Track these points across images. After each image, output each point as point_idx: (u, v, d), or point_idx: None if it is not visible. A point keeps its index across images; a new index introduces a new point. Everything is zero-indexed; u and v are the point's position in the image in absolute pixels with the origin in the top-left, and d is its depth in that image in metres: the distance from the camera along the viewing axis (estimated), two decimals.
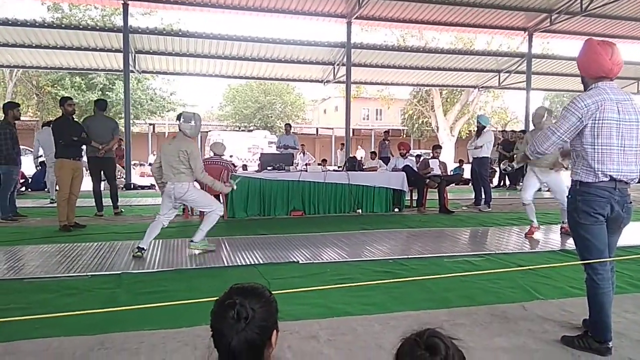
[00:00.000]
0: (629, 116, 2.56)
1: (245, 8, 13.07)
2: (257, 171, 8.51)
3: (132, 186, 12.84)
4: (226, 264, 4.61)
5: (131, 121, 14.41)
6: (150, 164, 23.24)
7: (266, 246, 5.40)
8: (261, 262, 4.66)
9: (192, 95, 58.69)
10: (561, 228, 6.42)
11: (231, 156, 24.25)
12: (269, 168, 8.27)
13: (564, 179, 5.88)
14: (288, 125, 12.64)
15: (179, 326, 2.94)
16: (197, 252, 5.00)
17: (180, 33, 14.04)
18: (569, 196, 2.75)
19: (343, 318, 3.15)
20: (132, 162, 17.13)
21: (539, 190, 6.48)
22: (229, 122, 36.90)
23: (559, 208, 6.48)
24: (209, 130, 29.82)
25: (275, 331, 1.29)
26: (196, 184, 5.32)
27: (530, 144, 2.81)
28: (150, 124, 30.34)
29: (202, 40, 13.93)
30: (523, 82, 16.73)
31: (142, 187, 12.99)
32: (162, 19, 25.68)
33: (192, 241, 5.04)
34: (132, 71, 14.99)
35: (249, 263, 4.62)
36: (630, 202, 2.68)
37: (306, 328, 2.98)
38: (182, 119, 4.99)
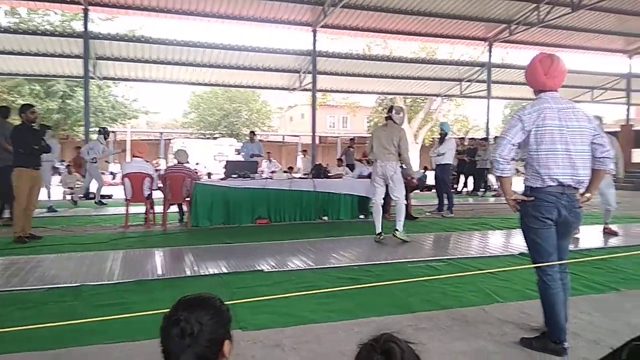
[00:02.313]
0: (570, 123, 2.69)
1: (210, 15, 12.98)
2: (222, 179, 8.42)
3: (91, 196, 12.44)
4: (189, 274, 4.53)
5: (92, 129, 14.03)
6: (111, 173, 22.63)
7: (231, 255, 5.34)
8: (226, 271, 4.60)
9: (155, 102, 57.56)
10: (604, 229, 6.93)
11: (197, 164, 23.93)
12: (233, 176, 8.19)
13: (610, 182, 6.53)
14: (252, 133, 12.60)
15: (139, 339, 2.87)
16: (403, 239, 6.06)
17: (142, 39, 13.81)
18: (519, 202, 2.84)
19: (307, 326, 3.14)
20: None
21: None
22: (194, 129, 36.40)
23: (603, 209, 7.03)
24: (173, 138, 29.37)
25: (227, 341, 1.28)
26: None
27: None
28: (111, 132, 29.61)
29: (166, 46, 13.75)
30: (484, 90, 17.22)
31: (102, 197, 12.60)
32: (124, 25, 25.23)
33: (396, 230, 6.12)
34: (93, 77, 14.66)
35: (213, 273, 4.56)
36: (579, 207, 2.78)
37: (270, 337, 2.96)
38: (394, 111, 6.18)
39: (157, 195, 7.88)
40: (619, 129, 19.26)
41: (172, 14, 12.74)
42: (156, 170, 10.12)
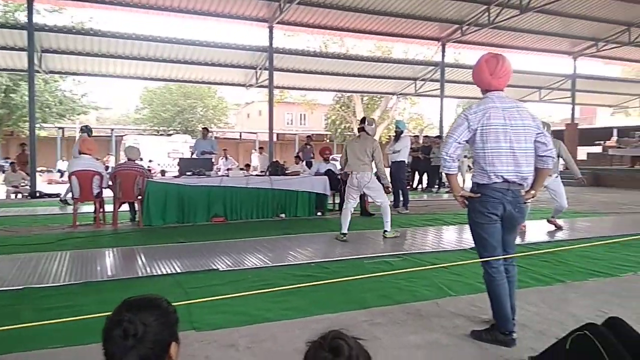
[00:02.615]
0: (515, 121, 2.78)
1: (162, 8, 12.64)
2: (175, 177, 8.23)
3: (37, 194, 11.91)
4: (141, 275, 4.40)
5: (38, 125, 13.38)
6: (59, 171, 21.74)
7: (185, 254, 5.23)
8: (179, 271, 4.49)
9: (106, 98, 55.57)
10: (549, 220, 7.29)
11: (151, 161, 23.34)
12: (188, 173, 8.02)
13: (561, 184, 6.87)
14: (205, 130, 12.22)
15: (87, 342, 2.75)
16: (393, 236, 6.33)
17: (91, 32, 13.28)
18: (467, 198, 2.91)
19: (263, 324, 3.11)
20: (39, 169, 15.95)
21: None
22: (147, 125, 35.43)
23: (553, 206, 7.31)
24: (125, 135, 28.51)
25: (174, 343, 1.24)
26: None
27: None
28: (59, 128, 28.44)
29: (116, 40, 13.27)
30: (437, 89, 17.61)
31: (49, 196, 12.08)
32: (72, 16, 24.15)
33: (385, 231, 6.33)
34: (38, 71, 13.98)
35: (166, 273, 4.44)
36: (524, 203, 2.89)
37: (225, 337, 2.91)
38: (366, 122, 6.34)
39: (108, 193, 7.62)
40: (564, 128, 20.21)
41: (124, 6, 12.31)
42: (106, 168, 9.79)
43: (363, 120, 6.48)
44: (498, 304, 2.83)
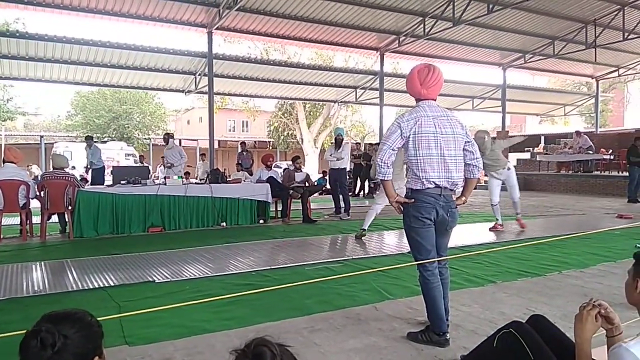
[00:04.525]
0: (445, 129, 2.90)
1: (95, 11, 12.09)
2: (109, 186, 7.89)
3: None
4: (71, 289, 4.17)
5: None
6: None
7: (119, 267, 5.01)
8: (112, 284, 4.30)
9: (34, 103, 52.59)
10: (517, 220, 7.66)
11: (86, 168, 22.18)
12: (122, 182, 7.71)
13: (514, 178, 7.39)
14: (167, 135, 11.18)
15: None
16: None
17: (17, 34, 12.50)
18: (402, 203, 2.99)
19: (201, 336, 3.04)
20: None
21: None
22: (79, 132, 33.72)
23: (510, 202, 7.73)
24: (55, 142, 27.04)
25: (97, 358, 1.19)
26: None
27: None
28: None
29: (45, 43, 12.56)
30: (377, 97, 18.00)
31: None
32: None
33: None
34: None
35: (97, 286, 4.24)
36: (455, 207, 3.00)
37: (160, 350, 2.81)
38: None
39: (35, 204, 7.19)
40: (495, 135, 21.23)
41: (53, 7, 11.67)
42: (34, 178, 9.26)
43: None
44: (433, 306, 2.92)
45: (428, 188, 2.87)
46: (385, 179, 2.96)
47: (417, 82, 2.92)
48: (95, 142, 13.23)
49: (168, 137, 11.11)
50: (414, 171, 2.90)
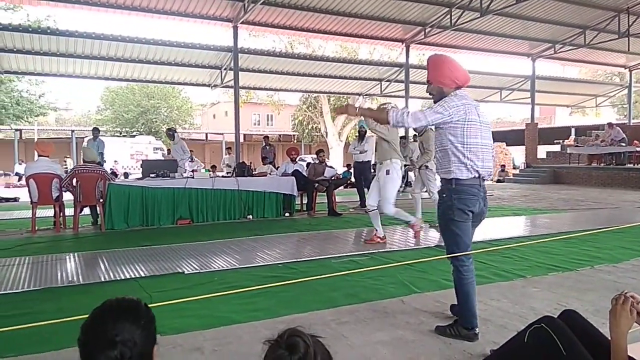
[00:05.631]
0: (484, 118, 2.88)
1: (124, 7, 12.31)
2: (138, 179, 8.05)
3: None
4: (103, 280, 4.28)
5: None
6: (17, 174, 20.91)
7: (149, 258, 5.12)
8: (143, 275, 4.40)
9: (65, 98, 53.83)
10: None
11: (116, 162, 22.79)
12: (151, 175, 7.86)
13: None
14: (170, 130, 11.34)
15: (45, 350, 2.67)
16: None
17: (49, 31, 12.82)
18: (443, 195, 2.90)
19: (229, 327, 3.08)
20: None
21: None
22: (109, 127, 34.50)
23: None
24: (86, 137, 27.69)
25: (156, 346, 1.24)
26: None
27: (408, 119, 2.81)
28: (16, 130, 27.38)
29: (75, 39, 12.85)
30: (403, 90, 17.83)
31: (7, 200, 11.63)
32: (29, 14, 23.31)
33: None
34: None
35: (129, 277, 4.34)
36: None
37: (190, 340, 2.87)
38: None
39: (68, 197, 7.39)
40: (524, 127, 20.82)
41: (83, 4, 11.93)
42: (66, 171, 9.52)
43: None
44: (466, 301, 2.87)
45: (474, 177, 2.81)
46: (397, 120, 2.80)
47: (460, 69, 2.89)
48: (124, 136, 13.44)
49: (172, 132, 11.08)
50: (461, 159, 2.79)
